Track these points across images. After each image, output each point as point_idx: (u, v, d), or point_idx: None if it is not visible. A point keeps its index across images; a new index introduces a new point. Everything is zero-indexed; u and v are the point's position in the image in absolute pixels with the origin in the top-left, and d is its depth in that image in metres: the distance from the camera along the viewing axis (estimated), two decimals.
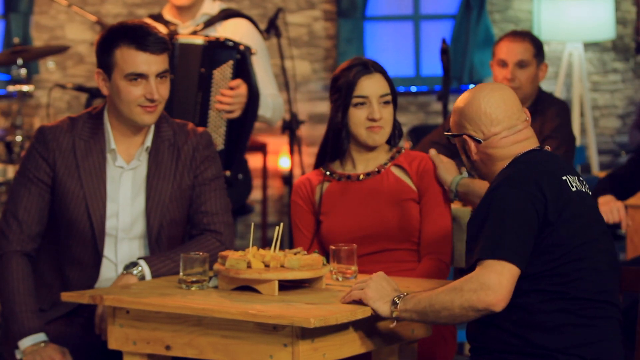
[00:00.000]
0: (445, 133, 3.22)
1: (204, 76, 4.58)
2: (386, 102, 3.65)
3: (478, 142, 3.12)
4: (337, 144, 3.68)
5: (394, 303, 2.98)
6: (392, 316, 2.98)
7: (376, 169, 3.68)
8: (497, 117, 3.11)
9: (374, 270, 3.22)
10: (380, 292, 3.00)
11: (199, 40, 4.60)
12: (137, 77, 3.47)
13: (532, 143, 3.13)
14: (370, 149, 3.67)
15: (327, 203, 3.69)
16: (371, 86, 3.62)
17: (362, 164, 3.70)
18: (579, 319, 2.96)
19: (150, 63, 3.47)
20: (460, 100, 3.16)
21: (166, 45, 3.51)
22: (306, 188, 3.73)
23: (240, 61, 4.61)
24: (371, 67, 3.65)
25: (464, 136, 3.13)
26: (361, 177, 3.69)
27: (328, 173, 3.73)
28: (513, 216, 2.93)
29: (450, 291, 2.91)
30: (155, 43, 3.47)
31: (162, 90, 3.51)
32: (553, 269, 2.95)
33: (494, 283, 2.87)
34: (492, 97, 3.11)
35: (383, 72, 3.67)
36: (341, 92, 3.63)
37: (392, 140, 3.72)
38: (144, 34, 3.47)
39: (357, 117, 3.62)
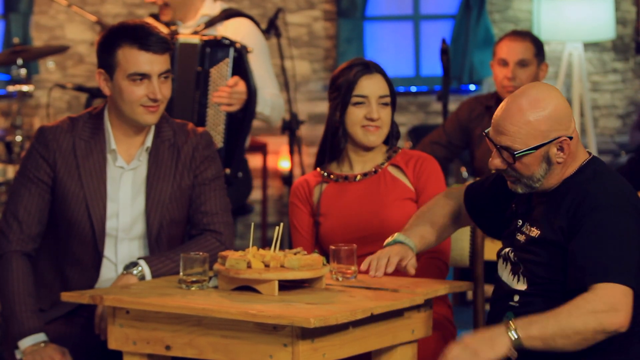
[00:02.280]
0: (521, 151, 2.98)
1: (201, 75, 4.59)
2: (385, 104, 3.65)
3: (570, 138, 3.02)
4: (334, 143, 3.68)
5: (510, 331, 2.87)
6: (515, 348, 2.87)
7: (373, 169, 3.68)
8: (571, 115, 3.06)
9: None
10: (477, 344, 2.91)
11: (195, 39, 4.61)
12: (140, 77, 3.47)
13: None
14: (367, 149, 3.67)
15: (324, 204, 3.69)
16: (371, 86, 3.63)
17: (359, 164, 3.70)
18: None
19: (153, 63, 3.47)
20: (537, 107, 2.99)
21: (168, 45, 3.51)
22: (304, 189, 3.73)
23: (237, 59, 4.62)
24: (372, 67, 3.66)
25: (562, 139, 2.99)
26: (358, 177, 3.69)
27: (325, 174, 3.73)
28: (629, 239, 2.92)
29: (583, 314, 2.85)
30: (157, 43, 3.47)
31: (164, 90, 3.51)
32: None
33: (623, 304, 2.85)
34: (562, 98, 3.05)
35: (383, 74, 3.67)
36: (340, 90, 3.63)
37: (390, 141, 3.72)
38: (147, 34, 3.47)
39: (355, 115, 3.63)
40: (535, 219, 3.09)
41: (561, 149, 3.01)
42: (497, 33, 7.79)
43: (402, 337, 3.19)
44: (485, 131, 3.09)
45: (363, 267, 3.22)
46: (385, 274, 3.22)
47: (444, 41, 5.78)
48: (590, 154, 3.11)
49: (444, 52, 5.76)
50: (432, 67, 8.03)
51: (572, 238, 2.96)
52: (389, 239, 3.30)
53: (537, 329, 2.87)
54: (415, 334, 3.23)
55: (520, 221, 3.14)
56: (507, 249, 3.16)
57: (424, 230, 3.33)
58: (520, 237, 3.12)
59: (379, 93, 3.64)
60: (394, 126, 3.71)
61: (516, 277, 3.10)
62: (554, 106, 3.00)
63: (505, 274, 3.16)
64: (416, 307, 3.20)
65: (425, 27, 8.13)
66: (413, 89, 8.04)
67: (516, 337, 2.87)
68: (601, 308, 2.85)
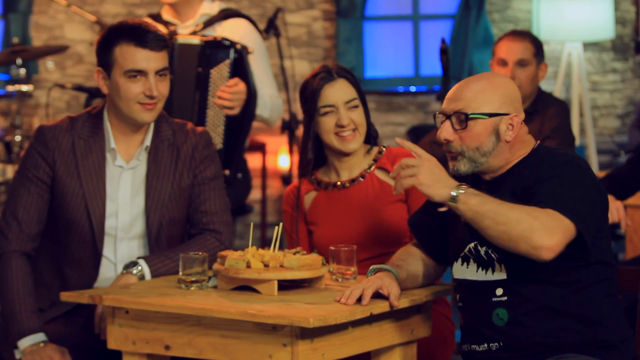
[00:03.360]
0: (474, 113, 3.05)
1: (201, 76, 4.58)
2: (354, 106, 3.61)
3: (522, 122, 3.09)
4: (313, 151, 3.65)
5: (456, 189, 2.91)
6: (449, 202, 2.92)
7: (360, 175, 3.66)
8: (520, 101, 3.13)
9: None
10: (435, 177, 2.95)
11: (195, 40, 4.60)
12: (136, 73, 3.47)
13: None
14: (347, 155, 3.65)
15: (316, 213, 3.67)
16: (335, 93, 3.59)
17: (345, 171, 3.67)
18: None
19: (150, 60, 3.47)
20: (491, 81, 3.11)
21: (165, 42, 3.51)
22: (294, 197, 3.71)
23: (237, 60, 4.61)
24: (335, 73, 3.60)
25: (514, 115, 3.06)
26: (346, 184, 3.66)
27: (315, 181, 3.70)
28: (585, 190, 2.95)
29: (523, 212, 2.86)
30: (154, 40, 3.47)
31: (161, 88, 3.51)
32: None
33: (560, 235, 2.85)
34: (512, 82, 3.15)
35: (347, 77, 3.61)
36: (308, 101, 3.62)
37: (369, 140, 3.68)
38: (143, 31, 3.47)
39: (326, 124, 3.59)
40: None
41: (511, 126, 3.05)
42: (496, 33, 7.80)
43: (401, 336, 3.19)
44: (435, 113, 3.13)
45: (337, 299, 3.05)
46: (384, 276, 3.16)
47: (443, 41, 5.79)
48: (537, 141, 3.14)
49: (444, 51, 5.77)
50: (432, 66, 8.03)
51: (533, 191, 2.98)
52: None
53: (477, 201, 2.90)
54: (414, 334, 3.23)
55: None
56: (469, 246, 3.09)
57: (404, 264, 3.24)
58: None
59: (344, 99, 3.60)
60: (370, 125, 3.67)
61: (490, 268, 3.04)
62: (508, 87, 3.10)
63: (470, 272, 3.09)
64: (416, 307, 3.20)
65: (424, 27, 8.13)
66: (412, 88, 8.04)
67: (455, 195, 2.92)
68: (542, 219, 2.85)
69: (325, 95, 3.59)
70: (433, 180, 2.96)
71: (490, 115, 3.04)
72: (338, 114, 3.58)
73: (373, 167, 3.66)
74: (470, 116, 3.04)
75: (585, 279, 2.98)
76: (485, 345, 3.04)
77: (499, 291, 3.03)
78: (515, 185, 3.03)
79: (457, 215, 3.03)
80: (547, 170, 2.99)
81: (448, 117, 3.08)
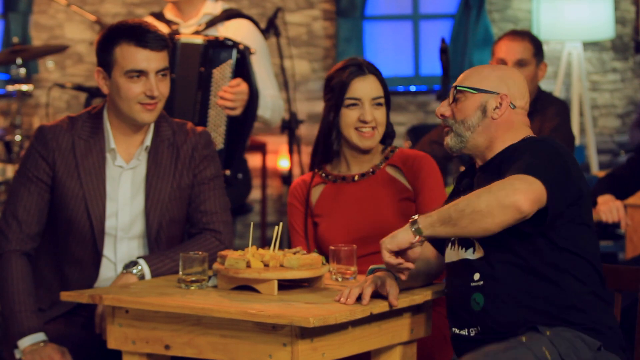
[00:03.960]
0: (463, 86, 3.15)
1: (203, 75, 4.58)
2: (379, 104, 3.64)
3: (511, 106, 3.15)
4: (328, 144, 3.67)
5: (413, 224, 2.96)
6: (416, 235, 2.95)
7: (371, 170, 3.68)
8: (525, 95, 3.20)
9: None
10: (392, 236, 3.00)
11: (198, 39, 4.60)
12: (137, 73, 3.47)
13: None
14: (362, 151, 3.66)
15: (323, 205, 3.69)
16: (364, 88, 3.62)
17: (357, 165, 3.70)
18: None
19: (150, 60, 3.48)
20: (498, 67, 3.24)
21: (166, 42, 3.51)
22: (302, 190, 3.72)
23: (240, 60, 4.61)
24: (365, 68, 3.64)
25: (503, 95, 3.13)
26: (356, 178, 3.69)
27: (323, 175, 3.72)
28: (565, 161, 3.00)
29: (479, 191, 2.90)
30: (154, 40, 3.47)
31: (162, 88, 3.51)
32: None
33: (524, 187, 2.87)
34: (524, 79, 3.24)
35: (377, 74, 3.66)
36: (334, 92, 3.63)
37: (386, 141, 3.71)
38: (144, 31, 3.47)
39: (349, 117, 3.62)
40: (481, 185, 3.08)
41: (500, 105, 3.13)
42: (496, 32, 7.80)
43: (401, 336, 3.19)
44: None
45: (336, 298, 3.07)
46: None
47: (443, 41, 5.79)
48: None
49: (443, 51, 5.77)
50: (432, 66, 8.03)
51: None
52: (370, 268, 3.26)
53: (435, 214, 2.94)
54: (414, 334, 3.23)
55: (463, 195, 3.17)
56: None
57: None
58: None
59: (372, 95, 3.63)
60: (389, 126, 3.70)
61: (471, 247, 3.08)
62: (511, 74, 3.20)
63: (454, 254, 3.14)
64: (416, 307, 3.20)
65: (424, 27, 8.13)
66: (412, 88, 8.04)
67: (417, 227, 2.95)
68: (497, 186, 2.89)
69: (354, 88, 3.61)
70: (392, 237, 3.00)
71: (479, 90, 3.14)
72: (363, 109, 3.61)
73: (384, 164, 3.68)
74: (458, 88, 3.16)
75: (557, 265, 3.00)
76: (466, 330, 3.07)
77: (476, 276, 3.05)
78: (502, 170, 3.06)
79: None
80: (521, 149, 3.06)
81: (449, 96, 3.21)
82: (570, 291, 2.99)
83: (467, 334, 3.07)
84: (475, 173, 3.22)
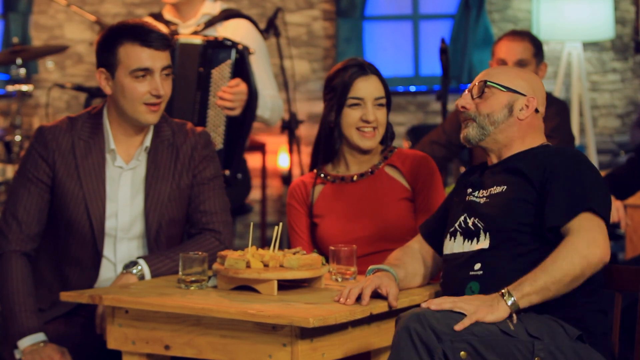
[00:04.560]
0: (493, 82, 3.19)
1: (202, 76, 4.58)
2: (380, 105, 3.64)
3: (536, 111, 3.21)
4: (329, 144, 3.67)
5: (505, 296, 2.90)
6: (512, 310, 2.89)
7: (370, 170, 3.68)
8: (545, 103, 3.26)
9: None
10: (484, 302, 2.91)
11: (197, 40, 4.60)
12: (142, 72, 3.47)
13: None
14: (362, 152, 3.67)
15: (322, 206, 3.69)
16: (367, 88, 3.62)
17: (356, 165, 3.70)
18: None
19: (155, 58, 3.48)
20: (525, 71, 3.30)
21: (168, 41, 3.52)
22: (301, 190, 3.72)
23: (239, 61, 4.61)
24: (367, 68, 3.64)
25: (531, 97, 3.18)
26: (355, 178, 3.69)
27: (322, 175, 3.72)
28: (600, 177, 3.07)
29: (566, 255, 2.91)
30: (158, 39, 3.48)
31: (166, 87, 3.52)
32: None
33: (601, 237, 2.94)
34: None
35: (378, 75, 3.66)
36: (336, 92, 3.62)
37: (385, 142, 3.71)
38: (147, 31, 3.48)
39: (351, 117, 3.62)
40: (496, 180, 3.14)
41: (526, 107, 3.18)
42: (496, 33, 7.80)
43: None
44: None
45: (335, 298, 3.06)
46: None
47: (443, 41, 5.78)
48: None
49: (443, 51, 5.77)
50: (431, 66, 8.03)
51: (546, 185, 3.05)
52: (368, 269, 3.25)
53: (528, 285, 2.90)
54: None
55: (470, 189, 3.21)
56: (459, 219, 3.16)
57: (402, 263, 3.27)
58: (479, 200, 3.15)
59: (374, 95, 3.63)
60: (389, 127, 3.70)
61: (475, 238, 3.09)
62: (536, 80, 3.26)
63: (457, 246, 3.14)
64: (415, 307, 3.20)
65: (424, 27, 8.13)
66: (412, 88, 8.04)
67: (512, 299, 2.89)
68: (582, 245, 2.91)
69: (357, 88, 3.61)
70: (487, 306, 2.90)
71: (508, 89, 3.19)
72: (365, 109, 3.61)
73: (383, 164, 3.68)
74: (488, 83, 3.19)
75: None
76: None
77: (477, 266, 3.06)
78: (518, 167, 3.11)
79: (456, 198, 3.21)
80: (561, 163, 3.08)
81: (472, 88, 3.24)
82: (571, 292, 2.99)
83: None
84: (484, 170, 3.25)
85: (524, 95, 3.18)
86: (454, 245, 3.16)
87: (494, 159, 3.22)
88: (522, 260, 3.00)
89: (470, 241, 3.11)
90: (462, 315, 2.85)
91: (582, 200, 2.98)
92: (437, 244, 3.30)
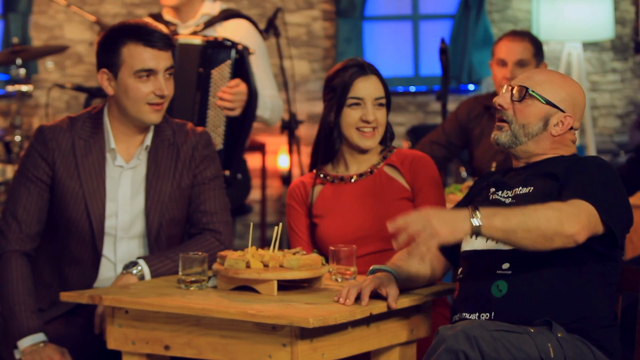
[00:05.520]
0: (535, 92, 3.15)
1: (202, 76, 4.58)
2: (380, 105, 3.64)
3: (571, 128, 3.20)
4: (328, 144, 3.67)
5: (473, 217, 2.88)
6: (475, 234, 2.88)
7: (369, 170, 3.68)
8: (582, 117, 3.24)
9: None
10: (446, 219, 2.88)
11: (196, 40, 4.60)
12: (146, 73, 3.47)
13: None
14: (362, 151, 3.67)
15: (321, 206, 3.69)
16: (367, 88, 3.62)
17: (355, 165, 3.70)
18: None
19: (159, 59, 3.48)
20: (570, 82, 3.23)
21: (170, 41, 3.52)
22: (300, 191, 3.72)
23: (239, 61, 4.61)
24: (367, 69, 3.64)
25: (568, 115, 3.16)
26: (354, 178, 3.69)
27: (322, 175, 3.72)
28: (614, 185, 3.07)
29: (548, 209, 2.91)
30: (161, 39, 3.48)
31: (169, 87, 3.52)
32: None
33: (586, 218, 2.92)
34: (585, 98, 3.26)
35: (378, 75, 3.66)
36: (336, 92, 3.62)
37: (385, 142, 3.71)
38: (150, 31, 3.48)
39: (351, 117, 3.62)
40: (521, 181, 3.14)
41: (562, 123, 3.16)
42: (496, 33, 7.80)
43: (401, 337, 3.19)
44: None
45: (335, 298, 3.06)
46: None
47: (442, 41, 5.78)
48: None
49: (443, 52, 5.76)
50: (431, 67, 8.03)
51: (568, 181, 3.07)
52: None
53: (500, 219, 2.89)
54: (414, 334, 3.23)
55: (494, 189, 3.19)
56: None
57: (404, 264, 3.25)
58: (505, 200, 3.13)
59: (374, 95, 3.63)
60: (388, 127, 3.70)
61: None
62: (576, 92, 3.21)
63: (479, 243, 3.10)
64: (416, 307, 3.20)
65: (424, 27, 8.13)
66: (412, 88, 8.04)
67: (478, 224, 2.88)
68: (566, 209, 2.92)
69: (357, 88, 3.61)
70: (448, 224, 2.87)
71: (548, 102, 3.16)
72: (365, 109, 3.61)
73: (382, 164, 3.68)
74: (530, 92, 3.16)
75: (591, 269, 3.03)
76: (477, 314, 3.05)
77: (506, 265, 3.05)
78: (547, 170, 3.12)
79: (478, 197, 3.20)
80: (577, 167, 3.10)
81: (512, 87, 3.20)
82: (596, 305, 3.01)
83: (477, 318, 3.04)
84: (506, 172, 3.25)
85: (563, 111, 3.16)
86: (476, 243, 3.13)
87: (520, 163, 3.22)
88: (550, 262, 3.00)
89: (496, 241, 3.07)
90: (510, 337, 2.85)
91: (589, 195, 2.97)
92: (444, 247, 3.28)
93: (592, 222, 2.95)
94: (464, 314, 3.08)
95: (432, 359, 2.81)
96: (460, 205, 3.31)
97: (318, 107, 7.79)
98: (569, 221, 2.90)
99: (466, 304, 3.10)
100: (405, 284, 3.17)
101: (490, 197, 3.19)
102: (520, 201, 3.08)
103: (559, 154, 3.18)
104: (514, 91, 3.18)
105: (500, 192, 3.18)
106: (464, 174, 6.28)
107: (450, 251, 3.26)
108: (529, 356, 2.84)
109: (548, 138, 3.17)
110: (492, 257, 3.08)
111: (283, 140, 7.35)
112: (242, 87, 4.60)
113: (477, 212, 2.89)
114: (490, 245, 3.08)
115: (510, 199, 3.13)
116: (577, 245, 2.93)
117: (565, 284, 3.00)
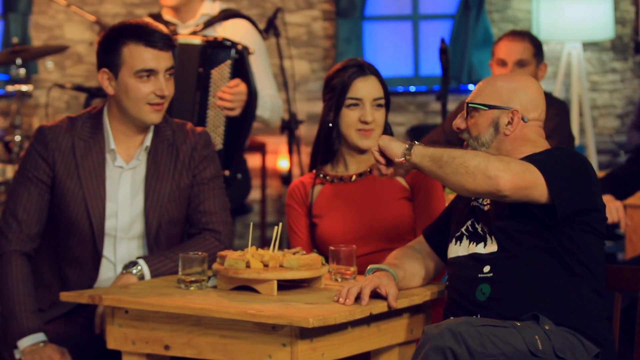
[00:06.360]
0: (474, 102, 3.18)
1: (202, 76, 4.58)
2: (379, 105, 3.64)
3: (524, 120, 3.16)
4: (328, 144, 3.67)
5: (410, 147, 3.06)
6: (404, 155, 3.05)
7: (368, 170, 3.68)
8: (539, 105, 3.20)
9: None
10: (391, 140, 3.13)
11: (196, 40, 4.60)
12: (147, 73, 3.48)
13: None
14: (361, 151, 3.67)
15: (321, 206, 3.69)
16: (366, 88, 3.62)
17: (354, 165, 3.70)
18: None
19: (159, 59, 3.48)
20: (511, 77, 3.25)
21: (171, 41, 3.52)
22: (300, 191, 3.73)
23: (238, 61, 4.60)
24: (366, 69, 3.64)
25: (514, 110, 3.14)
26: (353, 177, 3.69)
27: (321, 175, 3.73)
28: (588, 172, 3.04)
29: (481, 154, 2.99)
30: (162, 39, 3.48)
31: (169, 87, 3.52)
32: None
33: (517, 170, 2.94)
34: (539, 87, 3.22)
35: (378, 75, 3.66)
36: (335, 92, 3.63)
37: None
38: (150, 31, 3.48)
39: (349, 117, 3.62)
40: None
41: (511, 121, 3.14)
42: (496, 33, 7.80)
43: (401, 336, 3.19)
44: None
45: (334, 298, 3.06)
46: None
47: (442, 41, 5.79)
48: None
49: (443, 51, 5.77)
50: (431, 66, 8.03)
51: None
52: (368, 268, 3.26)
53: (431, 149, 3.03)
54: (414, 334, 3.23)
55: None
56: (467, 224, 3.17)
57: (401, 263, 3.27)
58: (483, 207, 3.15)
59: (373, 95, 3.63)
60: (388, 127, 3.70)
61: (482, 242, 3.10)
62: (525, 86, 3.18)
63: (462, 249, 3.15)
64: (415, 307, 3.20)
65: (424, 27, 8.13)
66: (412, 88, 8.04)
67: (410, 146, 3.06)
68: (503, 158, 2.97)
69: (356, 88, 3.61)
70: (390, 140, 3.13)
71: (490, 106, 3.15)
72: (363, 109, 3.61)
73: None
74: (470, 105, 3.19)
75: (571, 262, 3.02)
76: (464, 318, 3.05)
77: (487, 268, 3.07)
78: None
79: (460, 204, 3.19)
80: (539, 154, 3.10)
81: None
82: (582, 298, 3.00)
83: None
84: None
85: (507, 108, 3.14)
86: (459, 249, 3.16)
87: None
88: (530, 261, 3.00)
89: (476, 244, 3.11)
90: (497, 331, 2.84)
91: (542, 164, 2.98)
92: (438, 246, 3.30)
93: (527, 180, 2.94)
94: (452, 318, 3.09)
95: (419, 358, 2.81)
96: (448, 209, 3.33)
97: (318, 107, 7.79)
98: (497, 164, 2.93)
99: (455, 309, 3.12)
100: (402, 283, 3.18)
101: (471, 204, 3.21)
102: (497, 206, 3.10)
103: (526, 153, 3.12)
104: (465, 110, 3.21)
105: (481, 200, 3.18)
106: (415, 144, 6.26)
107: (443, 250, 3.26)
108: (517, 349, 2.83)
109: (505, 140, 3.15)
110: (474, 261, 3.10)
111: (283, 140, 7.35)
112: (242, 87, 4.60)
113: (416, 142, 3.07)
114: (472, 249, 3.11)
115: (488, 205, 3.15)
116: (504, 198, 2.94)
117: (548, 281, 3.00)
